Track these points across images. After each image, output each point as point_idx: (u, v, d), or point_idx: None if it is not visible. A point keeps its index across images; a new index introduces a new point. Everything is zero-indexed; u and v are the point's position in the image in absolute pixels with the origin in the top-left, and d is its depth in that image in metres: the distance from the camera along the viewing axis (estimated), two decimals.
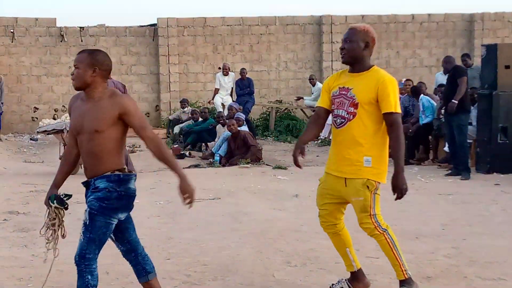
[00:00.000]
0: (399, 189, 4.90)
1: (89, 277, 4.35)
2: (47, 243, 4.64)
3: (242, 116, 14.95)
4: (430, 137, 13.43)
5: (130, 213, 4.64)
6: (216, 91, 18.57)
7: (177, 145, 15.84)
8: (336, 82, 5.11)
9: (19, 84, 20.69)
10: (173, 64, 21.37)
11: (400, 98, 14.53)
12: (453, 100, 11.29)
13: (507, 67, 11.87)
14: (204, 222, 7.99)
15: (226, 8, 40.80)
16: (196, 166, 13.50)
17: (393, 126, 4.87)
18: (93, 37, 21.24)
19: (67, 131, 12.13)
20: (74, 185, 5.23)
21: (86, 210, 4.38)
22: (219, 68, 20.00)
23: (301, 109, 20.12)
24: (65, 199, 4.62)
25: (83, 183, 4.51)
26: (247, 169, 12.48)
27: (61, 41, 20.99)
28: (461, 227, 7.67)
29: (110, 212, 4.36)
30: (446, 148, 12.46)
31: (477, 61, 16.54)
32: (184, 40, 21.49)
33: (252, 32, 21.79)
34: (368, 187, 4.95)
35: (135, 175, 4.57)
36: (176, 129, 17.40)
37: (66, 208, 4.62)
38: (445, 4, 41.61)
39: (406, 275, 5.05)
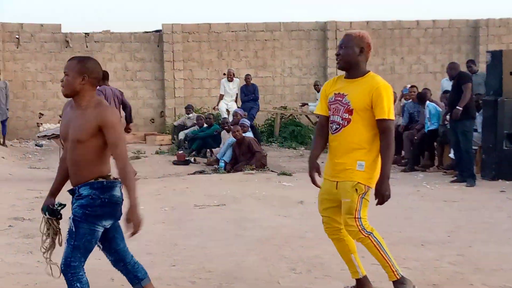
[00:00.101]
0: (381, 195, 4.90)
1: (78, 284, 4.32)
2: (43, 252, 4.63)
3: (247, 122, 14.95)
4: (435, 143, 13.40)
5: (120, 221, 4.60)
6: (221, 97, 18.58)
7: (182, 151, 15.84)
8: (332, 88, 5.16)
9: (24, 90, 20.74)
10: (178, 70, 21.40)
11: (405, 104, 14.67)
12: (457, 107, 11.27)
13: None
14: (209, 228, 7.98)
15: (231, 14, 40.90)
16: (201, 172, 13.49)
17: (385, 132, 4.91)
18: (98, 43, 21.29)
19: None
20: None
21: (70, 218, 4.35)
22: (224, 74, 20.01)
23: (306, 115, 20.12)
24: (59, 208, 4.60)
25: (68, 190, 4.49)
26: (252, 176, 12.48)
27: (66, 47, 21.04)
28: (466, 234, 7.65)
29: (94, 219, 4.31)
30: (451, 155, 12.43)
31: (482, 67, 16.54)
32: (189, 46, 21.52)
33: (257, 38, 21.82)
34: (356, 190, 4.96)
35: (120, 182, 4.48)
36: (181, 135, 17.41)
37: (60, 218, 4.58)
38: (450, 10, 41.60)
39: (397, 276, 5.07)
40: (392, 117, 4.92)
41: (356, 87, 4.99)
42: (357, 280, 5.28)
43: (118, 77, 21.41)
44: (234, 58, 21.75)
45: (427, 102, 13.57)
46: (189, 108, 18.50)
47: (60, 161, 4.71)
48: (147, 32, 21.83)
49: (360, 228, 4.97)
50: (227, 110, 18.14)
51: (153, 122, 21.75)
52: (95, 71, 4.42)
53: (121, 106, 12.46)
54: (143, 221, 4.26)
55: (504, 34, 22.64)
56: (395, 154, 14.64)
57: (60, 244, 4.64)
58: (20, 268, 6.30)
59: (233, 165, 13.54)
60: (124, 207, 4.30)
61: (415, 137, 13.38)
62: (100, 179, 4.35)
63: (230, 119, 16.39)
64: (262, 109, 19.61)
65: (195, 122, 17.67)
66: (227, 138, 14.47)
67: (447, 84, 14.26)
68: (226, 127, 15.20)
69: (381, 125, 4.90)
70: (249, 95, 18.44)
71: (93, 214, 4.31)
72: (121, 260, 4.70)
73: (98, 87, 12.61)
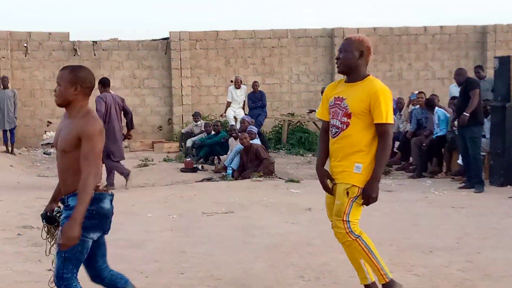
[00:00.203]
0: (366, 196, 4.91)
1: None
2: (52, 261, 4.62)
3: (254, 129, 14.95)
4: (443, 149, 13.37)
5: (105, 236, 4.56)
6: (228, 104, 18.59)
7: (189, 159, 15.85)
8: (333, 91, 5.21)
9: (32, 98, 20.81)
10: (186, 78, 21.43)
11: (412, 110, 14.64)
12: (464, 113, 11.26)
13: None
14: (217, 236, 7.98)
15: (238, 21, 40.96)
16: (209, 179, 13.49)
17: (383, 136, 4.93)
18: (106, 51, 21.35)
19: None
20: None
21: (59, 230, 4.30)
22: (231, 81, 20.04)
23: (314, 122, 20.08)
24: (57, 215, 4.56)
25: (59, 199, 4.47)
26: (260, 183, 12.47)
27: (74, 55, 21.10)
28: (475, 240, 7.62)
29: (82, 231, 4.21)
30: (459, 161, 12.41)
31: (490, 73, 16.50)
32: (197, 53, 21.56)
33: (264, 45, 21.84)
34: (347, 193, 4.98)
35: (111, 195, 4.45)
36: (189, 142, 17.42)
37: (58, 225, 4.51)
38: (457, 16, 41.59)
39: (386, 279, 5.09)
40: (391, 121, 4.94)
41: (355, 91, 5.03)
42: (366, 286, 5.26)
43: (125, 85, 21.47)
44: (241, 65, 21.77)
45: (436, 108, 13.56)
46: (196, 116, 18.51)
47: None
48: (155, 40, 21.89)
49: (348, 231, 4.99)
50: (235, 117, 18.14)
51: (160, 129, 21.78)
52: (87, 81, 4.39)
53: (122, 112, 12.51)
54: (76, 239, 4.11)
55: (511, 40, 22.60)
56: (403, 160, 14.72)
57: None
58: (28, 276, 6.30)
59: (241, 172, 13.54)
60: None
61: (423, 144, 13.35)
62: None
63: (238, 126, 16.39)
64: (269, 116, 19.61)
65: (202, 129, 17.68)
66: (235, 145, 14.47)
67: (456, 90, 14.22)
68: (234, 134, 15.20)
69: (379, 129, 4.93)
70: (256, 102, 18.45)
71: (81, 226, 4.24)
72: (97, 276, 4.64)
73: (99, 94, 12.56)
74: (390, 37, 22.23)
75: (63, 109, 4.45)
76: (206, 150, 16.24)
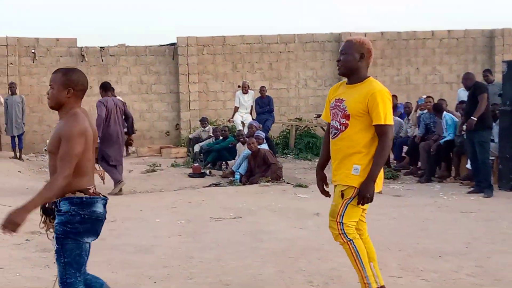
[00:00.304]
0: (361, 196, 4.88)
1: None
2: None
3: (262, 134, 14.94)
4: (452, 154, 13.33)
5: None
6: (236, 109, 18.60)
7: (197, 164, 15.85)
8: (334, 93, 5.25)
9: (40, 104, 20.85)
10: (193, 83, 21.45)
11: (420, 114, 14.60)
12: (472, 117, 11.22)
13: None
14: (225, 241, 7.96)
15: (245, 26, 41.02)
16: (217, 184, 13.49)
17: (382, 137, 4.93)
18: (113, 57, 21.39)
19: None
20: None
21: (53, 237, 4.32)
22: (239, 86, 20.04)
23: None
24: (53, 207, 4.51)
25: (51, 202, 4.42)
26: (268, 188, 12.45)
27: (81, 61, 21.15)
28: (484, 245, 7.58)
29: (76, 236, 4.24)
30: (468, 165, 12.36)
31: (498, 78, 16.45)
32: (204, 58, 21.57)
33: (271, 50, 21.84)
34: (342, 195, 4.99)
35: (103, 198, 4.42)
36: (196, 147, 17.42)
37: (54, 218, 4.47)
38: (465, 20, 41.51)
39: None
40: (389, 122, 4.93)
41: (354, 92, 5.05)
42: None
43: (133, 90, 21.50)
44: (248, 70, 21.77)
45: (444, 112, 13.52)
46: (204, 121, 18.52)
47: None
48: (162, 45, 21.92)
49: (341, 232, 5.01)
50: (242, 123, 18.14)
51: (168, 134, 21.80)
52: (80, 83, 4.39)
53: (123, 117, 12.57)
54: (17, 227, 4.11)
55: None
56: (411, 165, 14.67)
57: None
58: (37, 282, 6.30)
59: (249, 177, 13.53)
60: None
61: (431, 150, 13.33)
62: (79, 194, 4.28)
63: (245, 131, 16.38)
64: (277, 121, 19.60)
65: (210, 134, 17.70)
66: (243, 150, 14.46)
67: (464, 94, 14.20)
68: (242, 139, 15.20)
69: (378, 130, 4.94)
70: (264, 107, 18.44)
71: (74, 231, 4.25)
72: None
73: (100, 98, 12.56)
74: (398, 41, 22.21)
75: None
76: (213, 155, 16.24)
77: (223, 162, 16.26)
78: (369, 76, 5.12)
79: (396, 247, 7.35)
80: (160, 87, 21.65)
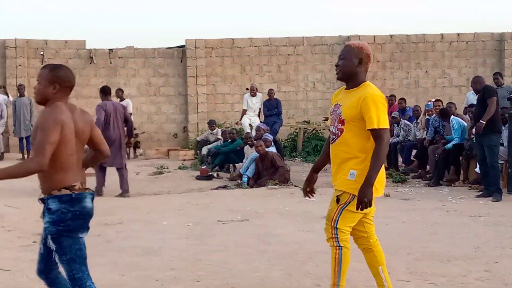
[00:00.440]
0: (359, 201, 4.82)
1: None
2: None
3: (270, 137, 14.92)
4: (461, 158, 13.28)
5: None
6: (244, 112, 18.58)
7: (205, 166, 15.84)
8: (335, 99, 5.25)
9: None
10: (201, 85, 21.46)
11: (429, 119, 14.55)
12: (481, 121, 11.18)
13: None
14: (233, 243, 7.95)
15: (254, 29, 41.06)
16: (224, 187, 13.47)
17: (377, 141, 4.88)
18: (122, 59, 21.44)
19: None
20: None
21: (48, 238, 4.31)
22: (247, 89, 20.02)
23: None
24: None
25: (39, 199, 4.43)
26: (275, 190, 12.43)
27: (90, 63, 21.21)
28: (493, 249, 7.54)
29: (70, 233, 4.27)
30: (477, 169, 12.31)
31: (507, 81, 16.40)
32: (212, 61, 21.59)
33: (279, 52, 21.83)
34: (338, 200, 4.98)
35: (91, 193, 4.45)
36: (204, 150, 17.42)
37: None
38: (474, 23, 41.42)
39: None
40: (383, 125, 4.88)
41: (350, 98, 5.03)
42: None
43: (141, 92, 21.53)
44: (257, 73, 21.77)
45: (452, 116, 13.48)
46: (212, 124, 18.52)
47: None
48: (171, 47, 21.95)
49: (333, 237, 5.00)
50: (250, 125, 18.12)
51: (176, 137, 21.82)
52: (67, 80, 4.40)
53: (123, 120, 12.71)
54: None
55: None
56: (419, 169, 14.62)
57: None
58: (44, 284, 6.29)
59: (256, 180, 13.51)
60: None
61: (436, 155, 13.31)
62: (64, 191, 4.29)
63: (253, 134, 16.37)
64: (285, 124, 19.58)
65: (218, 137, 17.69)
66: (250, 153, 14.45)
67: (473, 98, 14.15)
68: (249, 142, 15.18)
69: (373, 134, 4.90)
70: (272, 110, 18.42)
71: (67, 229, 4.26)
72: (45, 272, 4.57)
73: (100, 102, 12.63)
74: (407, 44, 22.16)
75: None
76: (221, 157, 16.23)
77: (231, 165, 16.25)
78: (366, 81, 5.08)
79: (404, 251, 7.32)
80: (168, 90, 21.67)
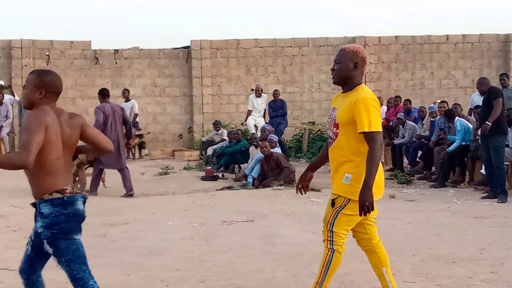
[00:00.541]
0: (360, 205, 4.81)
1: None
2: None
3: (275, 137, 14.91)
4: (466, 159, 13.25)
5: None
6: (249, 112, 18.58)
7: (210, 167, 15.85)
8: (333, 102, 5.28)
9: None
10: (206, 86, 21.47)
11: (433, 120, 14.51)
12: (486, 122, 11.16)
13: None
14: (238, 244, 7.95)
15: (259, 29, 41.04)
16: (229, 188, 13.47)
17: (369, 144, 4.89)
18: (127, 60, 21.45)
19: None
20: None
21: (44, 243, 4.33)
22: (252, 89, 20.02)
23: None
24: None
25: (31, 204, 4.45)
26: (280, 191, 12.42)
27: (95, 64, 21.23)
28: (499, 251, 7.53)
29: (65, 235, 4.29)
30: (482, 171, 12.29)
31: None
32: (217, 62, 21.59)
33: (285, 53, 21.82)
34: (333, 203, 5.02)
35: (83, 196, 4.46)
36: (209, 150, 17.42)
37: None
38: (480, 24, 41.35)
39: None
40: (375, 128, 4.87)
41: (344, 101, 5.06)
42: None
43: (147, 93, 21.54)
44: (262, 73, 21.77)
45: (456, 118, 13.46)
46: (217, 124, 18.52)
47: None
48: (176, 48, 21.96)
49: (329, 240, 5.04)
50: (255, 126, 18.12)
51: (181, 137, 21.82)
52: (53, 85, 4.43)
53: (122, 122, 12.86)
54: None
55: None
56: (425, 170, 14.59)
57: None
58: (50, 284, 6.27)
59: (261, 181, 13.51)
60: None
61: (440, 159, 13.29)
62: (56, 194, 4.30)
63: (258, 134, 16.36)
64: (290, 125, 19.57)
65: (223, 138, 17.70)
66: (255, 154, 14.44)
67: (477, 99, 14.13)
68: (255, 143, 15.18)
69: (365, 138, 4.90)
70: (277, 111, 18.41)
71: (62, 231, 4.28)
72: (27, 272, 4.60)
73: (98, 104, 12.74)
74: (412, 45, 22.13)
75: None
76: (226, 158, 16.23)
77: (236, 166, 16.24)
78: (360, 84, 5.08)
79: (409, 252, 7.31)
80: (173, 90, 21.68)
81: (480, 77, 12.43)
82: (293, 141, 20.08)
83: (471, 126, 13.17)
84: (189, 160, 18.48)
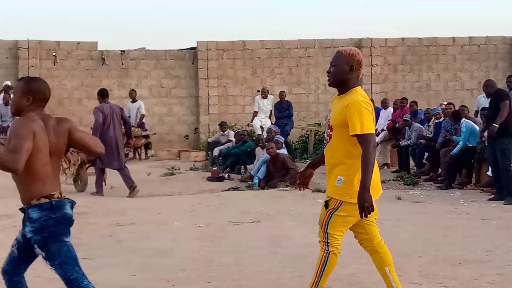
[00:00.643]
0: (360, 207, 4.81)
1: None
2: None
3: (281, 139, 14.91)
4: (472, 161, 13.23)
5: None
6: (255, 114, 18.60)
7: (216, 168, 15.86)
8: (331, 104, 5.30)
9: (60, 107, 20.97)
10: (212, 87, 21.49)
11: (438, 122, 14.48)
12: (494, 124, 11.14)
13: None
14: (244, 245, 7.95)
15: (265, 31, 41.06)
16: (235, 189, 13.48)
17: (362, 146, 4.89)
18: (133, 61, 21.48)
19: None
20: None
21: (35, 247, 4.35)
22: (258, 91, 20.04)
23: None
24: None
25: (20, 209, 4.48)
26: (286, 192, 12.42)
27: (102, 65, 21.27)
28: (505, 253, 7.51)
29: (55, 238, 4.32)
30: (489, 172, 12.26)
31: None
32: (224, 63, 21.61)
33: (291, 55, 21.83)
34: (326, 205, 5.05)
35: (71, 201, 4.49)
36: (215, 151, 17.44)
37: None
38: (486, 27, 41.25)
39: None
40: (367, 130, 4.87)
41: (338, 104, 5.08)
42: None
43: (153, 94, 21.57)
44: (268, 75, 21.78)
45: (462, 119, 13.44)
46: (223, 125, 18.54)
47: None
48: (182, 49, 21.99)
49: (324, 241, 5.07)
50: (261, 127, 18.13)
51: (187, 138, 21.84)
52: (41, 93, 4.46)
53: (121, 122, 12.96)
54: None
55: None
56: (431, 171, 14.58)
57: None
58: (57, 283, 6.27)
59: (267, 182, 13.51)
60: None
61: (446, 161, 13.27)
62: (44, 199, 4.33)
63: (264, 135, 16.37)
64: (296, 126, 19.57)
65: (229, 138, 17.72)
66: (261, 155, 14.45)
67: (483, 101, 14.11)
68: (261, 144, 15.19)
69: (358, 140, 4.91)
70: (283, 112, 18.42)
71: (52, 235, 4.30)
72: (9, 273, 4.62)
73: (97, 104, 12.86)
74: (419, 47, 22.11)
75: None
76: (232, 159, 16.24)
77: (242, 166, 16.25)
78: (355, 87, 5.07)
79: (416, 254, 7.30)
80: (179, 91, 21.71)
81: (487, 80, 12.42)
82: (299, 142, 20.09)
83: (477, 128, 13.15)
84: (195, 161, 18.50)
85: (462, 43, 22.32)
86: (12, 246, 4.58)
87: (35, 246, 4.34)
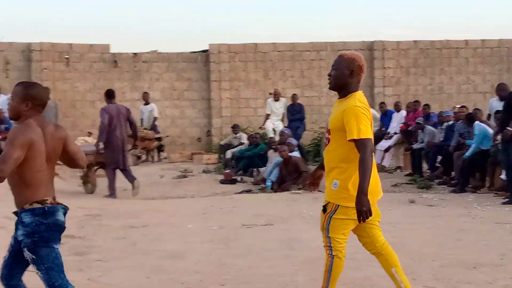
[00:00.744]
0: (357, 211, 4.82)
1: None
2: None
3: (294, 141, 14.91)
4: (486, 164, 13.17)
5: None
6: (267, 116, 18.59)
7: (228, 170, 15.87)
8: (332, 108, 5.30)
9: (73, 109, 21.06)
10: (224, 90, 21.52)
11: (450, 125, 14.44)
12: (508, 127, 11.09)
13: None
14: (257, 248, 7.95)
15: (277, 34, 41.06)
16: (248, 191, 13.49)
17: (359, 150, 4.88)
18: (145, 63, 21.54)
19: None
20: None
21: (25, 250, 4.39)
22: (270, 93, 20.04)
23: None
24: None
25: (13, 212, 4.53)
26: (299, 195, 12.41)
27: (114, 67, 21.33)
28: None
29: (45, 243, 4.38)
30: (502, 176, 12.20)
31: None
32: (236, 65, 21.63)
33: (303, 58, 21.84)
34: (324, 210, 5.06)
35: (64, 207, 4.55)
36: (228, 154, 17.46)
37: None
38: (499, 29, 41.14)
39: None
40: (364, 135, 4.86)
41: (337, 108, 5.09)
42: None
43: (165, 96, 21.62)
44: (280, 77, 21.79)
45: (475, 122, 13.39)
46: (236, 128, 18.56)
47: None
48: (194, 52, 22.03)
49: (327, 245, 5.11)
50: (273, 130, 18.13)
51: (199, 141, 21.87)
52: (39, 98, 4.50)
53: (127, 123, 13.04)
54: None
55: None
56: (444, 175, 14.53)
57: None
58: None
59: (280, 185, 13.50)
60: None
61: (459, 165, 13.23)
62: (36, 204, 4.38)
63: (277, 138, 16.37)
64: (308, 129, 19.55)
65: (241, 141, 17.73)
66: (274, 158, 14.45)
67: (496, 104, 14.05)
68: (273, 147, 15.19)
69: (355, 145, 4.90)
70: (295, 115, 18.40)
71: (43, 239, 4.36)
72: (6, 278, 4.65)
73: (105, 105, 12.95)
74: (431, 50, 22.07)
75: None
76: (245, 162, 16.25)
77: (255, 169, 16.25)
78: (355, 91, 5.07)
79: (430, 257, 7.27)
80: (192, 94, 21.75)
81: (500, 83, 12.40)
82: (312, 145, 20.06)
83: (491, 131, 13.09)
84: (208, 164, 18.52)
85: (475, 46, 22.26)
86: (7, 250, 4.63)
87: (25, 249, 4.40)
